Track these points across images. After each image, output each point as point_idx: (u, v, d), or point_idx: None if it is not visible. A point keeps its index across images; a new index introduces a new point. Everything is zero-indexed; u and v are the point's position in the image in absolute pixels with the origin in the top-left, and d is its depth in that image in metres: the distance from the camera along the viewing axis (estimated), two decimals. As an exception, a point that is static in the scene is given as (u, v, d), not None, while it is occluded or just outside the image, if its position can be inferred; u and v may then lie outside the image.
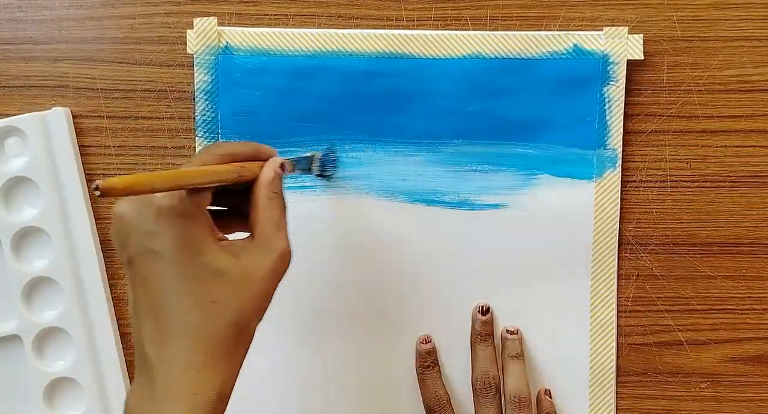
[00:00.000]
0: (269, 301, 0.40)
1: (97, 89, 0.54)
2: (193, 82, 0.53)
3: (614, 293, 0.52)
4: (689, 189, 0.52)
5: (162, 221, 0.37)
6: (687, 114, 0.52)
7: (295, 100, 0.52)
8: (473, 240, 0.52)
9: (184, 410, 0.36)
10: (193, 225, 0.38)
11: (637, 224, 0.52)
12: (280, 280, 0.41)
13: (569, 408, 0.52)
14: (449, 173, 0.52)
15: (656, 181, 0.52)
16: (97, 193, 0.32)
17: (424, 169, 0.52)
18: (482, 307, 0.52)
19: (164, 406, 0.36)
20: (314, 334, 0.53)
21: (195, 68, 0.53)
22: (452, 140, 0.52)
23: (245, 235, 0.41)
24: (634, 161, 0.52)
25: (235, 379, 0.39)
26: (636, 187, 0.52)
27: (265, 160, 0.43)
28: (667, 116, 0.52)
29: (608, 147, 0.51)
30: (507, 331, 0.52)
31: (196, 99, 0.53)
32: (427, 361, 0.52)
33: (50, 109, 0.54)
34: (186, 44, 0.53)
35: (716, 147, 0.52)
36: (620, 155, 0.51)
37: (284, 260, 0.41)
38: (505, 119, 0.52)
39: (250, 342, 0.40)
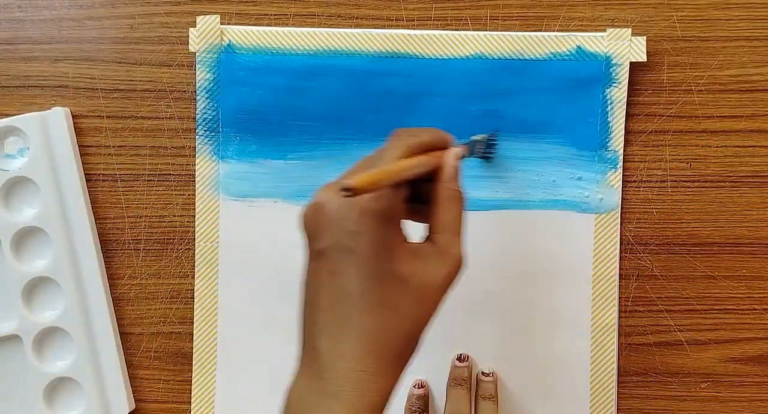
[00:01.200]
0: (438, 310, 0.40)
1: (97, 89, 0.54)
2: (195, 81, 0.53)
3: (616, 294, 0.52)
4: (689, 189, 0.52)
5: (364, 222, 0.37)
6: (687, 114, 0.52)
7: (297, 99, 0.52)
8: (475, 241, 0.52)
9: (349, 410, 0.36)
10: (391, 229, 0.38)
11: (637, 224, 0.52)
12: (451, 289, 0.41)
13: (570, 409, 0.52)
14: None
15: (656, 181, 0.52)
16: (344, 193, 0.34)
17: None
18: (461, 355, 0.52)
19: (330, 402, 0.36)
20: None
21: (197, 66, 0.53)
22: (455, 140, 0.52)
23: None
24: (634, 161, 0.52)
25: (396, 388, 0.39)
26: (636, 187, 0.52)
27: (444, 148, 0.42)
28: (667, 116, 0.52)
29: (609, 148, 0.51)
30: (482, 373, 0.52)
31: (198, 97, 0.53)
32: (415, 405, 0.52)
33: (50, 109, 0.54)
34: (186, 44, 0.53)
35: (716, 147, 0.52)
36: (621, 157, 0.51)
37: (458, 268, 0.41)
38: (507, 119, 0.52)
39: (416, 351, 0.40)
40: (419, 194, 0.42)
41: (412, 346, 0.39)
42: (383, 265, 0.37)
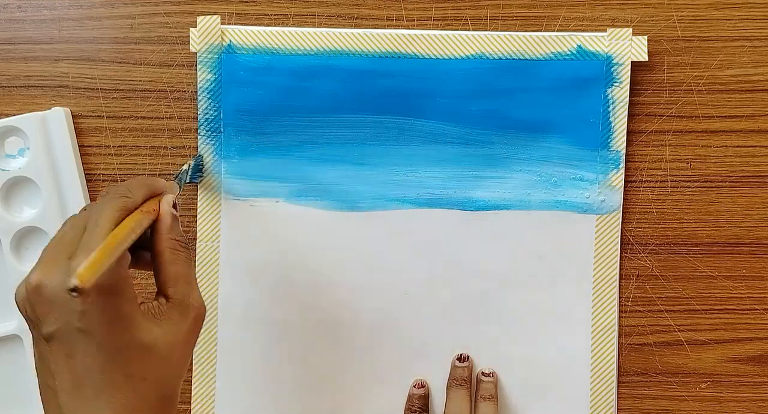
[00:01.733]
0: (189, 361, 0.40)
1: (97, 89, 0.54)
2: (195, 81, 0.53)
3: (616, 295, 0.52)
4: (689, 189, 0.52)
5: (89, 299, 0.35)
6: (687, 114, 0.52)
7: (298, 99, 0.52)
8: (476, 241, 0.52)
9: None
10: (120, 299, 0.37)
11: (637, 224, 0.52)
12: (197, 338, 0.41)
13: (570, 409, 0.52)
14: (452, 173, 0.52)
15: (656, 181, 0.52)
16: (75, 294, 0.32)
17: (426, 169, 0.52)
18: (461, 355, 0.52)
19: None
20: (318, 336, 0.54)
21: (198, 66, 0.53)
22: (455, 140, 0.52)
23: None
24: (635, 161, 0.52)
25: None
26: (636, 187, 0.52)
27: (158, 194, 0.42)
28: (667, 116, 0.52)
29: (612, 149, 0.51)
30: (482, 373, 0.52)
31: (199, 97, 0.53)
32: (415, 405, 0.52)
33: (50, 109, 0.54)
34: (186, 44, 0.53)
35: (717, 147, 0.52)
36: (624, 157, 0.51)
37: (200, 319, 0.40)
38: (508, 120, 0.52)
39: (177, 403, 0.39)
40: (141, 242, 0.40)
41: (171, 405, 0.39)
42: (122, 338, 0.36)
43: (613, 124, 0.51)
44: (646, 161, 0.52)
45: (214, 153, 0.53)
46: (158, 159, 0.54)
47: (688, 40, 0.52)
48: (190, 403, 0.54)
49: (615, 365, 0.52)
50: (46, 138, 0.53)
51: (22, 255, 0.54)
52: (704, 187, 0.52)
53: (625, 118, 0.51)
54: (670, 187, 0.52)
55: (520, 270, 0.52)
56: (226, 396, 0.54)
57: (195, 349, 0.53)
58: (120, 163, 0.54)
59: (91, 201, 0.54)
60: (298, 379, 0.54)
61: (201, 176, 0.53)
